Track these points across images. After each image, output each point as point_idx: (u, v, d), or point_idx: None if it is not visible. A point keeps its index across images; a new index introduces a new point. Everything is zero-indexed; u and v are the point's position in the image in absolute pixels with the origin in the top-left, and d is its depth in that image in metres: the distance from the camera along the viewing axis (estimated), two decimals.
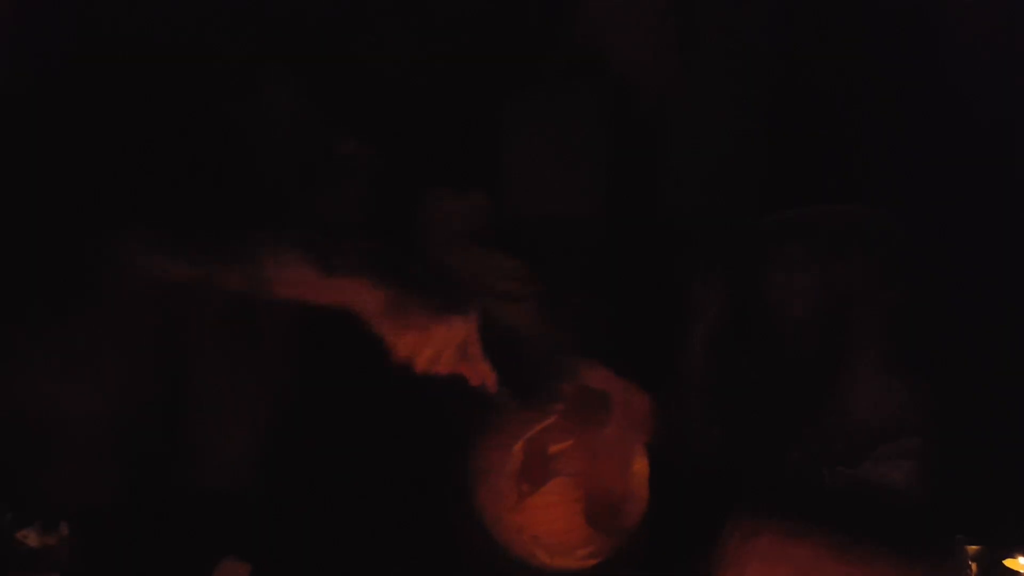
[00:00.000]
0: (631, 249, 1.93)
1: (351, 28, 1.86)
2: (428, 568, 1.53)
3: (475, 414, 1.55)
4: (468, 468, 1.55)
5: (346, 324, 1.43)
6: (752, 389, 1.74)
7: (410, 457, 1.61)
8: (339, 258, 1.43)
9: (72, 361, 1.49)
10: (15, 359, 1.49)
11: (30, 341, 1.49)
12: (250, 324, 1.60)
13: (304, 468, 1.60)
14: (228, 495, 1.56)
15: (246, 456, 1.58)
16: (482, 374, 1.47)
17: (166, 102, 1.54)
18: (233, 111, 1.61)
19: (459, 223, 1.79)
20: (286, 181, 1.64)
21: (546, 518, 1.48)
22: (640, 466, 1.56)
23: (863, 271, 1.77)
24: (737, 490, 1.53)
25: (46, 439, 1.50)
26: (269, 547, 1.51)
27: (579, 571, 1.51)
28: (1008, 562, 1.59)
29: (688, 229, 1.96)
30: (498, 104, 1.97)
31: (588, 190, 1.98)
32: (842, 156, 1.98)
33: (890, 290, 1.77)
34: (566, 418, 1.52)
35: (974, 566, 1.60)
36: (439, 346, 1.42)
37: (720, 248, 1.84)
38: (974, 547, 1.62)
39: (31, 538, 1.46)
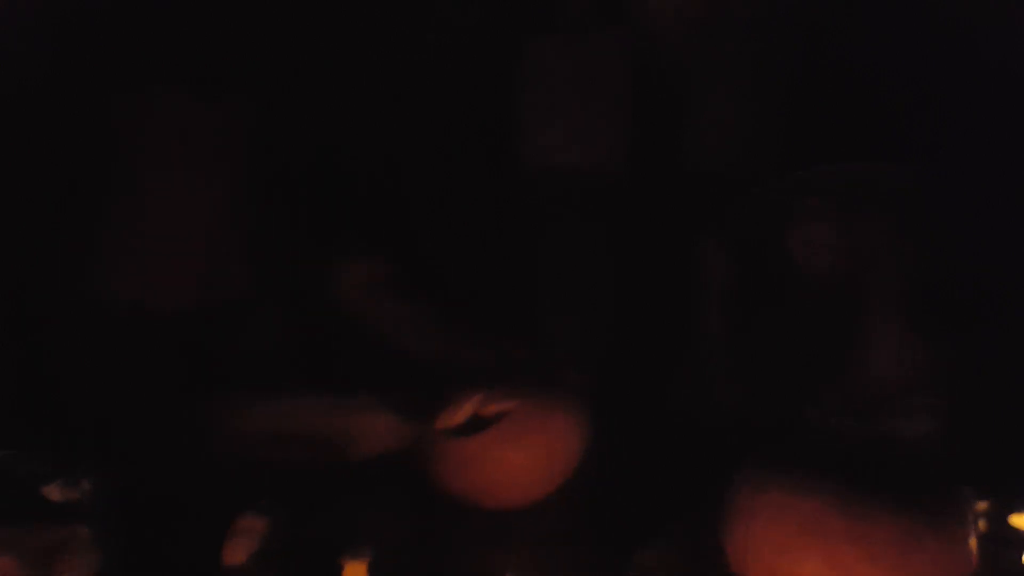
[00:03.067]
0: (653, 201, 1.94)
1: None
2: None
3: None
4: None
5: None
6: (770, 345, 1.76)
7: None
8: None
9: None
10: None
11: None
12: None
13: None
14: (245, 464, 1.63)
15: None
16: None
17: None
18: None
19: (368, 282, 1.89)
20: None
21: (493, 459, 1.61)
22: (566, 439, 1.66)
23: (883, 226, 1.79)
24: (752, 444, 1.55)
25: None
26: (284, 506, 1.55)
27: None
28: (1013, 518, 1.62)
29: (711, 182, 1.96)
30: (517, 50, 1.97)
31: (608, 140, 1.97)
32: (865, 113, 1.98)
33: (909, 246, 1.78)
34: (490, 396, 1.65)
35: (982, 522, 1.62)
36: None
37: (730, 208, 1.86)
38: (983, 503, 1.64)
39: (54, 492, 1.50)
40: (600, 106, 1.97)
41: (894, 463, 1.47)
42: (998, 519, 1.61)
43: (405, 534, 1.56)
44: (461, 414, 1.61)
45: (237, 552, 1.48)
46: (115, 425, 1.63)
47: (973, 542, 1.39)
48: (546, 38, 1.97)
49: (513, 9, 1.96)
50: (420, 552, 1.52)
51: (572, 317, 1.88)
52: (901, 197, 1.81)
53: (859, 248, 1.76)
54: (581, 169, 1.94)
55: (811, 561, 1.33)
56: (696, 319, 1.80)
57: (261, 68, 1.83)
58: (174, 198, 1.80)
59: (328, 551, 1.47)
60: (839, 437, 1.56)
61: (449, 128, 1.93)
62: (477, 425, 1.60)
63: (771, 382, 1.71)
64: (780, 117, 1.99)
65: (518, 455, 1.59)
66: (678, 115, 2.01)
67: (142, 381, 1.70)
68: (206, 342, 1.77)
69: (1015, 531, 1.61)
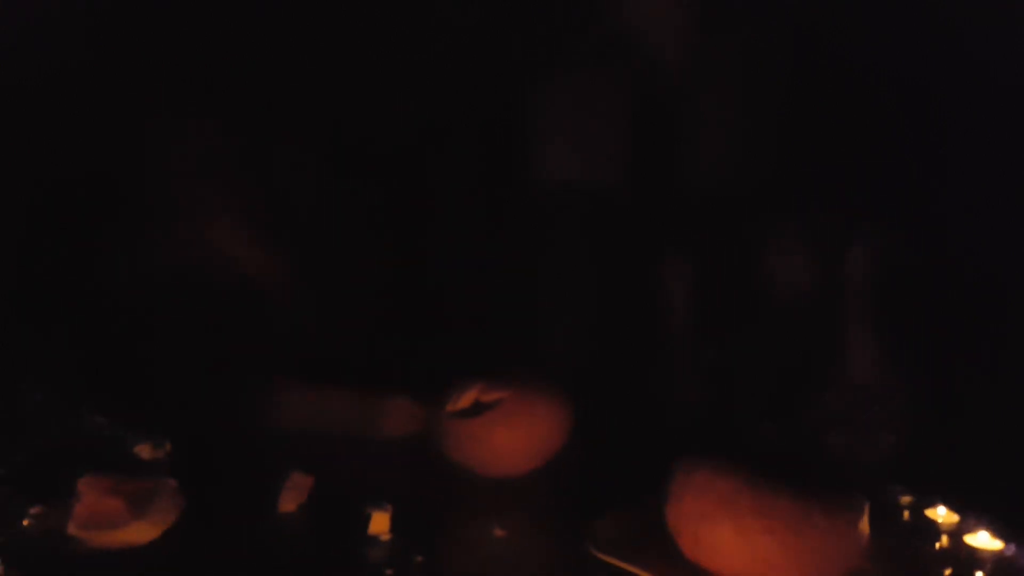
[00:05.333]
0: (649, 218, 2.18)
1: None
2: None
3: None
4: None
5: None
6: (737, 353, 2.00)
7: None
8: None
9: None
10: None
11: None
12: None
13: None
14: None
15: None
16: None
17: None
18: None
19: None
20: None
21: (488, 437, 1.93)
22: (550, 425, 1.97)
23: (856, 255, 1.98)
24: (695, 438, 1.82)
25: None
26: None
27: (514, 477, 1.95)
28: (928, 512, 1.83)
29: (702, 203, 2.18)
30: (531, 83, 2.25)
31: (610, 164, 2.24)
32: (855, 143, 2.14)
33: (880, 275, 1.96)
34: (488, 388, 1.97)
35: (906, 514, 1.84)
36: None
37: (706, 229, 2.08)
38: (907, 497, 1.85)
39: (145, 451, 1.91)
40: (602, 131, 2.23)
41: (804, 459, 1.71)
42: (917, 512, 1.83)
43: (418, 494, 1.88)
44: (465, 400, 1.95)
45: (289, 502, 1.81)
46: (179, 399, 2.01)
47: (863, 527, 1.60)
48: (554, 71, 2.23)
49: (518, 36, 2.22)
50: (430, 508, 1.85)
51: (562, 320, 2.17)
52: (874, 226, 1.99)
53: (829, 274, 1.96)
54: (578, 184, 2.21)
55: (724, 528, 1.61)
56: (668, 328, 2.04)
57: (262, 71, 2.11)
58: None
59: (357, 504, 1.79)
60: (765, 436, 1.80)
61: (452, 139, 2.21)
62: (477, 409, 1.94)
63: (727, 387, 1.95)
64: (776, 139, 2.17)
65: (508, 434, 1.92)
66: (676, 134, 2.23)
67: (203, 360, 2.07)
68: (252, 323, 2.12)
69: (930, 522, 1.84)
